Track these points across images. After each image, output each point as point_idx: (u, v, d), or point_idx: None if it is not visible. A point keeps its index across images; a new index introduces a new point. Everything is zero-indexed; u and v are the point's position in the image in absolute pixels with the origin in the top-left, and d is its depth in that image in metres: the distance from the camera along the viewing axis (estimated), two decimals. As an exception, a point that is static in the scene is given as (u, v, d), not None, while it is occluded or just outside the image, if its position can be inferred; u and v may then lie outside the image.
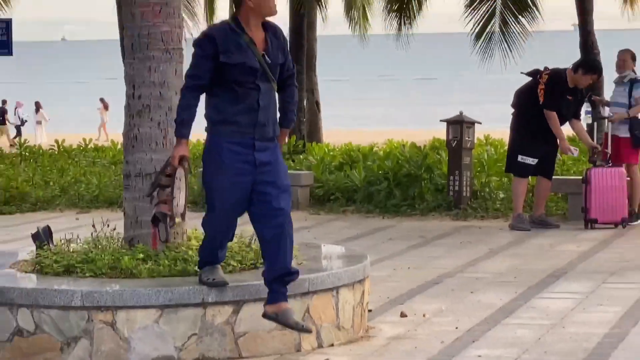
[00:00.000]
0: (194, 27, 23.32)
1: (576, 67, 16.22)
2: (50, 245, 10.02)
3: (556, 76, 16.00)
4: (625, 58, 16.61)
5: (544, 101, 15.82)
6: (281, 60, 8.70)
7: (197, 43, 8.58)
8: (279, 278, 8.67)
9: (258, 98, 8.54)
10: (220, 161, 8.56)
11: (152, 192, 8.96)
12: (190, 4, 22.69)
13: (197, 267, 9.06)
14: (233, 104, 8.53)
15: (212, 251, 8.90)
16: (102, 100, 52.71)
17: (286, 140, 9.15)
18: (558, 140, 16.03)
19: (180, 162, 8.69)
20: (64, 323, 8.87)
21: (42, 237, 10.11)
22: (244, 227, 10.91)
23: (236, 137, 8.53)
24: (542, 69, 16.15)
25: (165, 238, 9.05)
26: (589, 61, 17.10)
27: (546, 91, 15.85)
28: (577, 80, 16.10)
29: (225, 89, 8.53)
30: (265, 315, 8.71)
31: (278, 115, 8.83)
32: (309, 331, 8.84)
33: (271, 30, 8.70)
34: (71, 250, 9.88)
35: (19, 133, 47.96)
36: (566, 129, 16.47)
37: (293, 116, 9.01)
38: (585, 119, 17.46)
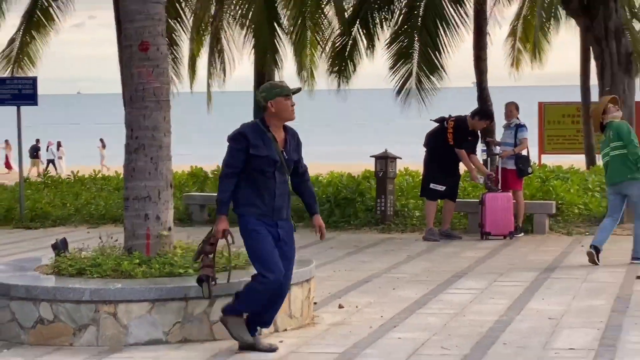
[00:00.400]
0: (180, 84, 23.31)
1: (474, 114, 16.34)
2: (66, 253, 9.98)
3: (459, 122, 16.11)
4: (511, 109, 16.72)
5: (454, 143, 15.93)
6: (295, 157, 8.53)
7: (233, 138, 8.39)
8: (259, 324, 8.63)
9: (275, 187, 8.38)
10: (256, 232, 8.33)
11: (198, 258, 8.66)
12: (176, 66, 22.65)
13: (224, 312, 8.61)
14: (256, 191, 8.35)
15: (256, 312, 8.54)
16: (101, 140, 52.96)
17: (322, 222, 8.79)
18: (469, 171, 16.11)
19: (223, 234, 8.42)
20: (76, 314, 8.82)
21: (60, 247, 10.07)
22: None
23: (261, 216, 8.36)
24: (447, 116, 16.26)
25: (209, 295, 8.63)
26: (484, 110, 17.20)
27: (454, 134, 15.96)
28: (474, 125, 16.22)
29: (248, 178, 8.33)
30: (241, 347, 8.53)
31: (307, 203, 8.70)
32: (274, 350, 8.51)
33: (290, 132, 8.55)
34: (82, 256, 9.84)
35: (54, 165, 48.40)
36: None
37: (317, 203, 8.83)
38: (481, 155, 17.51)
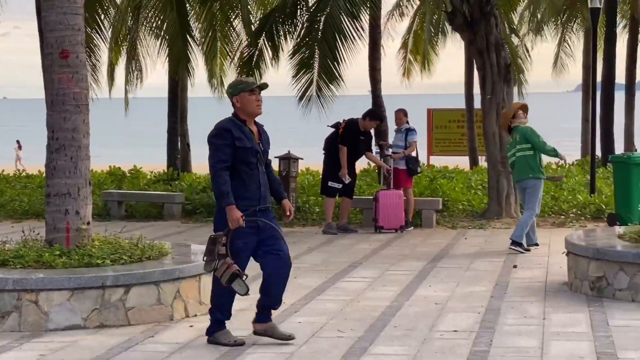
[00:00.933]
0: (98, 90, 23.11)
1: (365, 116, 16.42)
2: (-9, 245, 9.80)
3: (350, 123, 16.23)
4: (400, 116, 16.87)
5: (340, 140, 16.03)
6: (268, 150, 8.32)
7: (216, 135, 8.04)
8: (270, 306, 8.23)
9: (259, 177, 8.14)
10: (235, 232, 7.99)
11: (215, 265, 8.02)
12: (95, 73, 22.47)
13: (206, 334, 8.29)
14: (244, 184, 8.05)
15: (224, 307, 8.27)
16: (18, 141, 52.85)
17: (290, 205, 8.54)
18: (342, 168, 16.04)
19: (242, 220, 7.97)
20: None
21: (-15, 240, 9.89)
22: (134, 232, 10.79)
23: (245, 209, 8.00)
24: (341, 121, 16.33)
25: (246, 290, 8.05)
26: (373, 111, 17.16)
27: (343, 132, 16.07)
28: (366, 125, 16.31)
29: (235, 172, 8.03)
30: (256, 333, 8.21)
31: (275, 189, 8.37)
32: (293, 338, 8.19)
33: (260, 126, 8.31)
34: (6, 249, 9.68)
35: None
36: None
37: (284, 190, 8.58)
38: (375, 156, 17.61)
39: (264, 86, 8.31)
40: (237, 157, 8.04)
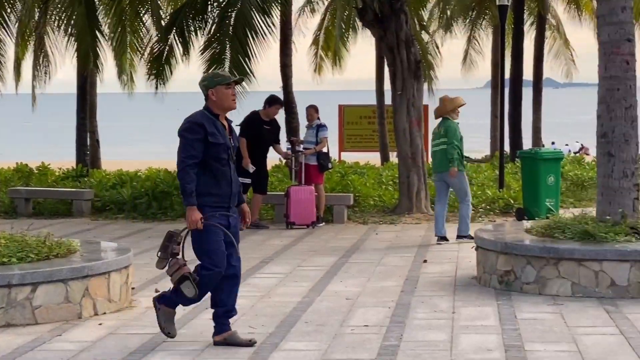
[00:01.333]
0: (3, 86, 22.73)
1: (265, 103, 16.47)
2: None
3: (251, 114, 16.30)
4: (311, 112, 16.94)
5: (240, 132, 15.99)
6: (237, 146, 8.16)
7: (188, 129, 7.82)
8: (227, 314, 8.06)
9: (230, 174, 7.95)
10: (207, 226, 7.82)
11: (167, 263, 7.91)
12: (0, 70, 22.11)
13: (158, 297, 8.24)
14: (215, 180, 7.85)
15: (188, 302, 8.15)
16: None
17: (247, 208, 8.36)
18: (243, 158, 15.97)
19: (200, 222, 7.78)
20: None
21: None
22: (42, 229, 10.66)
23: (217, 206, 7.85)
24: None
25: (194, 293, 7.88)
26: (272, 97, 17.06)
27: (243, 125, 16.12)
28: (269, 113, 16.37)
29: (206, 167, 7.83)
30: (216, 343, 8.01)
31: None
32: (254, 344, 8.02)
33: (229, 122, 8.13)
34: None
35: None
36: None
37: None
38: (286, 152, 17.62)
39: (240, 81, 8.21)
40: (208, 153, 7.87)
